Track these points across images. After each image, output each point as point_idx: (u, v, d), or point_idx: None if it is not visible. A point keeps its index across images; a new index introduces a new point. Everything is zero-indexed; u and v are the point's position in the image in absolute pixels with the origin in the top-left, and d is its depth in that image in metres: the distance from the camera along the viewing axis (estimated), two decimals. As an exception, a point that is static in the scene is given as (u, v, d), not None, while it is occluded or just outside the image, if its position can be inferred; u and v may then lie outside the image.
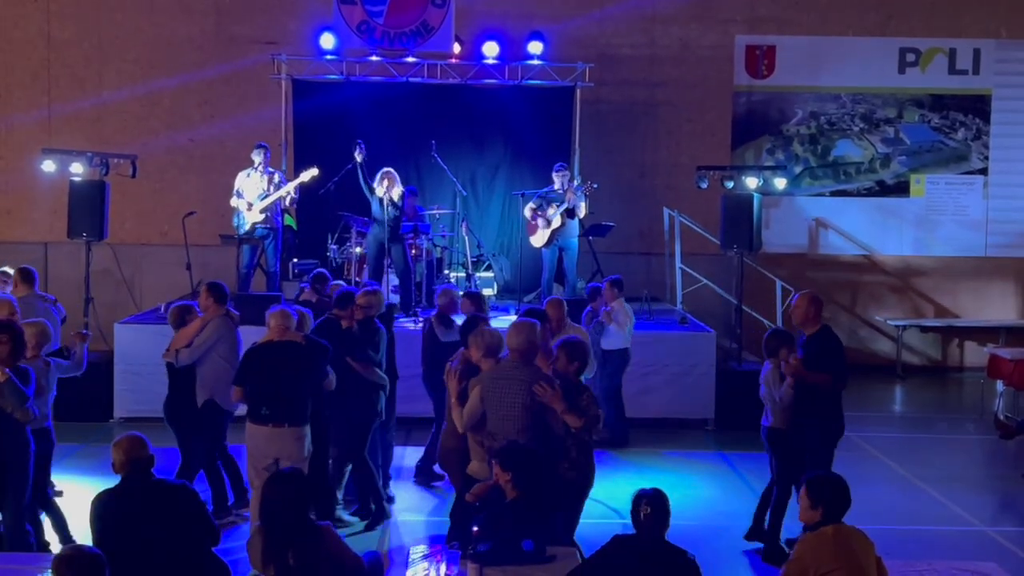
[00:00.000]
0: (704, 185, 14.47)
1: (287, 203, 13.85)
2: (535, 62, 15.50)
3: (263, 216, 13.56)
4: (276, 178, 13.65)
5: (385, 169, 13.27)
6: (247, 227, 13.54)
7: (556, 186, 14.03)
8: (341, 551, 5.98)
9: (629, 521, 5.75)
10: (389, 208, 13.09)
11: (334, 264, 14.71)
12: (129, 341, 12.71)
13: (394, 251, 13.42)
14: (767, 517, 8.74)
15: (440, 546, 6.85)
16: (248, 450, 8.26)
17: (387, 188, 13.10)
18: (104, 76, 16.63)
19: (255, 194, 13.51)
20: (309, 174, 13.67)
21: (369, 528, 9.06)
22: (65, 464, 10.02)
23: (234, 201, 13.60)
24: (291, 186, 13.62)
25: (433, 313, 10.32)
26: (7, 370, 7.31)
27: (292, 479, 5.99)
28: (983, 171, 17.35)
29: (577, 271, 14.42)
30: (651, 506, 5.71)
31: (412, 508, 9.74)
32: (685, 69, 17.01)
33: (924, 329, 17.30)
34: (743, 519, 9.29)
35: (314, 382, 8.32)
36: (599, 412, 7.32)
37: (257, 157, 13.57)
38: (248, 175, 13.60)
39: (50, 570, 5.08)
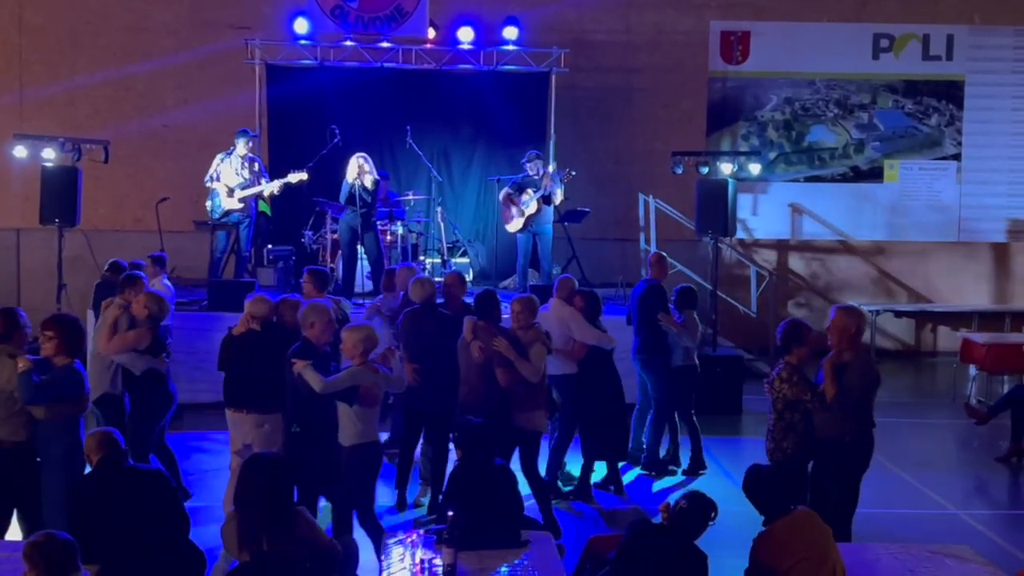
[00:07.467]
0: (679, 171, 14.49)
1: (266, 194, 13.77)
2: (510, 47, 15.44)
3: (241, 204, 13.49)
4: (256, 166, 13.55)
5: (357, 154, 13.17)
6: (221, 212, 13.46)
7: (531, 173, 14.00)
8: (315, 535, 5.98)
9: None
10: (361, 194, 12.97)
11: (309, 250, 14.65)
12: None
13: (366, 238, 13.30)
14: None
15: (415, 531, 6.82)
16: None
17: (358, 174, 12.98)
18: (77, 61, 16.48)
19: (233, 180, 13.41)
20: (298, 177, 13.42)
21: None
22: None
23: (212, 183, 13.48)
24: (277, 185, 13.40)
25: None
26: (30, 358, 6.92)
27: (268, 464, 5.97)
28: (956, 157, 17.43)
29: (552, 257, 14.42)
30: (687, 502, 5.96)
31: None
32: (660, 55, 16.99)
33: (897, 314, 17.39)
34: (720, 504, 9.34)
35: (275, 369, 8.01)
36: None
37: (242, 146, 13.45)
38: (227, 160, 13.43)
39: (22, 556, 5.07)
